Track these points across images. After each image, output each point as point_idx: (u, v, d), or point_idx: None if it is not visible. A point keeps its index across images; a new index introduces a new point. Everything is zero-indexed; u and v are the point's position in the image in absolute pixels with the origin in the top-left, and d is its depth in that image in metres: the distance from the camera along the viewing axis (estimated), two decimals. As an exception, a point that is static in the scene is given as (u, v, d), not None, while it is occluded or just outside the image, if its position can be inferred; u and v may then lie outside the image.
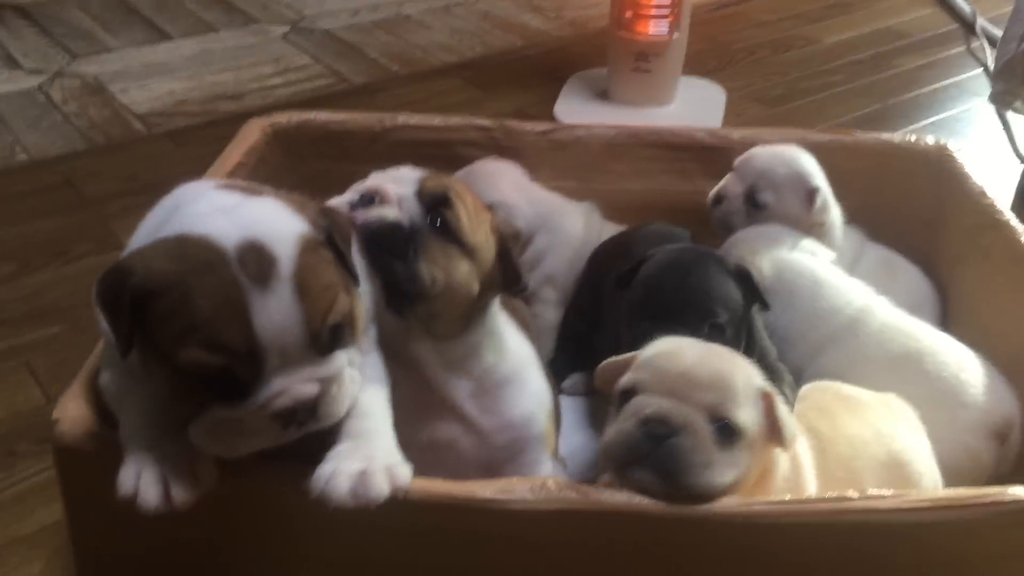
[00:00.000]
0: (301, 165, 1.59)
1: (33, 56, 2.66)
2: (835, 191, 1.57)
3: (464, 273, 1.02)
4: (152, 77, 2.56)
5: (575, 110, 2.36)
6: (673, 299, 1.15)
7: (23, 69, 2.58)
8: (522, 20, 3.01)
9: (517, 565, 0.96)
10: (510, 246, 1.08)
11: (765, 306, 1.24)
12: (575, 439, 1.41)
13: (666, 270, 1.18)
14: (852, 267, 1.50)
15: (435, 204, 1.02)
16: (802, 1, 3.16)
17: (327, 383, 0.87)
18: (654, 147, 1.62)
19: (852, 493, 0.93)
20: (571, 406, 1.46)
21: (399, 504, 0.88)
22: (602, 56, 2.45)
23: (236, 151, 1.45)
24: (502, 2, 3.15)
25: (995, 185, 2.06)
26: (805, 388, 1.22)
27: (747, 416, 0.93)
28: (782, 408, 0.96)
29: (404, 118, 1.61)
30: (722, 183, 1.50)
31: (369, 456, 0.88)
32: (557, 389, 1.45)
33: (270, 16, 2.98)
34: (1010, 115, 2.30)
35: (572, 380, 1.49)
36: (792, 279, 1.36)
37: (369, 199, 1.02)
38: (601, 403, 1.46)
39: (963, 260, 1.46)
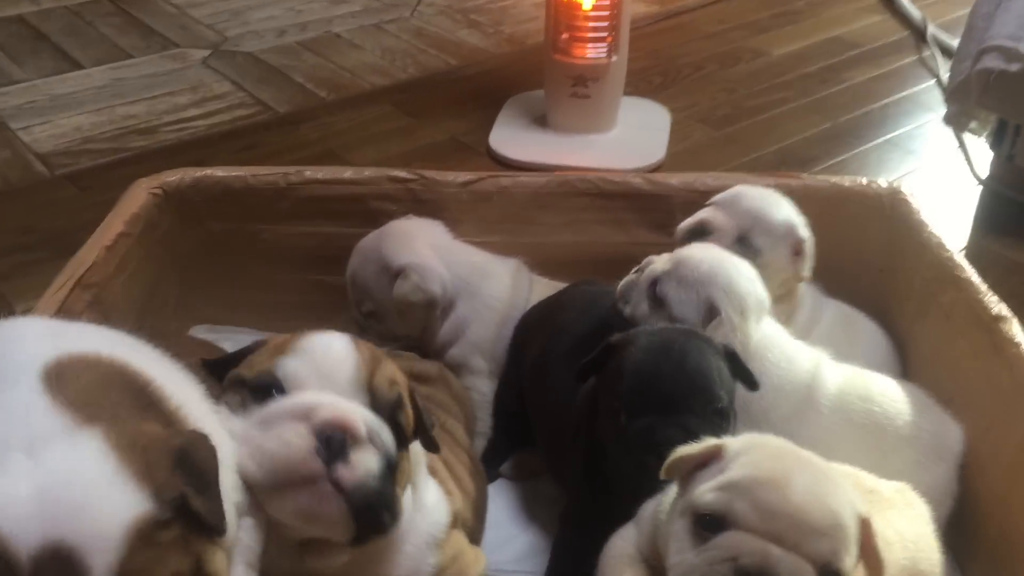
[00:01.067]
0: (198, 228, 1.44)
1: (-69, 91, 2.47)
2: (783, 239, 1.45)
3: (409, 475, 0.92)
4: (59, 111, 2.39)
5: (511, 139, 2.22)
6: (673, 387, 1.02)
7: (-81, 106, 2.39)
8: (458, 37, 2.86)
9: None
10: (419, 402, 0.95)
11: (754, 386, 1.11)
12: (508, 529, 1.28)
13: (658, 356, 1.04)
14: (810, 328, 1.38)
15: (392, 411, 0.89)
16: (749, 10, 3.05)
17: None
18: (587, 195, 1.49)
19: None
20: (505, 492, 1.33)
21: None
22: (542, 75, 2.31)
23: (118, 219, 1.30)
24: (437, 17, 3.00)
25: (952, 217, 1.97)
26: None
27: (853, 560, 0.80)
28: (882, 540, 0.82)
29: (311, 172, 1.46)
30: (705, 215, 1.34)
31: None
32: (487, 475, 1.32)
33: (190, 39, 2.81)
34: (967, 135, 2.19)
35: (510, 464, 1.36)
36: (766, 345, 1.20)
37: (340, 443, 0.82)
38: (537, 487, 1.34)
39: (922, 317, 1.35)
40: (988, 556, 1.15)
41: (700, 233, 1.32)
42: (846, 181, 1.46)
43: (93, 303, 1.21)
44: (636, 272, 1.25)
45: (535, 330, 1.32)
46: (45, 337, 0.79)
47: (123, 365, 0.78)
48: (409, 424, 0.91)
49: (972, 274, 1.25)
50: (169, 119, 2.37)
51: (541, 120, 2.28)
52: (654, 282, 1.20)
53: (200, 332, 1.53)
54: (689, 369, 1.02)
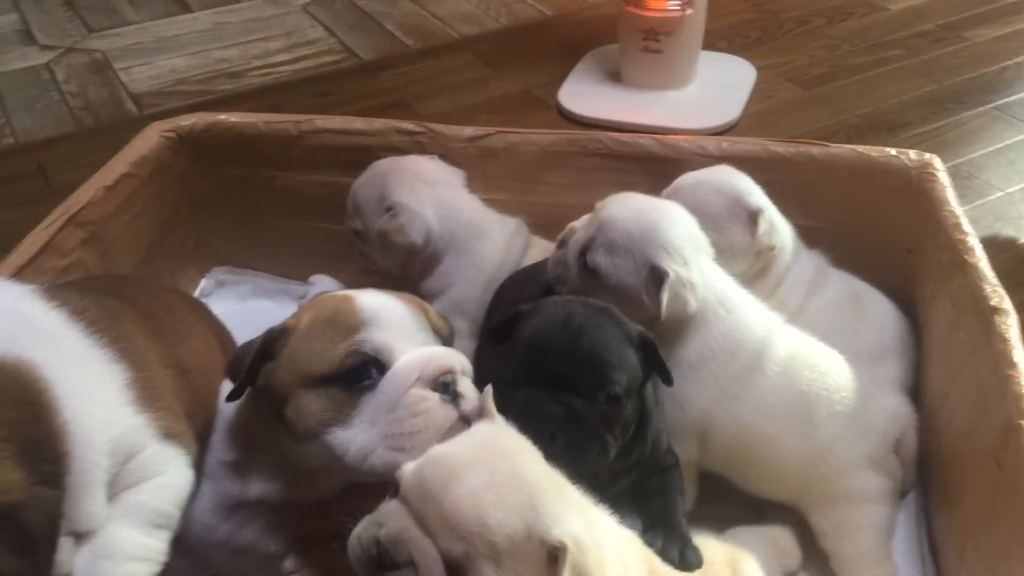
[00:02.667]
0: (213, 172, 1.48)
1: (51, 31, 2.64)
2: (804, 210, 1.36)
3: None
4: (160, 54, 2.50)
5: (581, 93, 2.17)
6: (562, 363, 0.97)
7: (37, 45, 2.56)
8: (559, -15, 2.80)
9: None
10: None
11: (669, 381, 1.04)
12: None
13: (553, 329, 0.99)
14: (808, 299, 1.30)
15: (450, 341, 1.02)
16: (874, -40, 2.84)
17: None
18: (597, 155, 1.44)
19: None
20: None
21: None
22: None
23: (122, 160, 1.35)
24: (543, -35, 2.94)
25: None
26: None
27: (499, 574, 0.76)
28: (571, 567, 0.76)
29: (322, 122, 1.47)
30: None
31: None
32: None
33: (298, -16, 2.87)
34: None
35: None
36: (719, 301, 1.13)
37: (452, 383, 0.91)
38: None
39: (934, 303, 1.24)
40: (957, 555, 1.06)
41: None
42: (873, 151, 1.34)
43: (89, 240, 1.28)
44: (561, 247, 1.19)
45: (506, 295, 1.29)
46: None
47: (26, 371, 0.78)
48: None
49: (981, 260, 1.13)
50: (258, 63, 2.44)
51: (616, 75, 2.21)
52: (582, 252, 1.13)
53: (220, 274, 1.58)
54: (581, 348, 0.96)
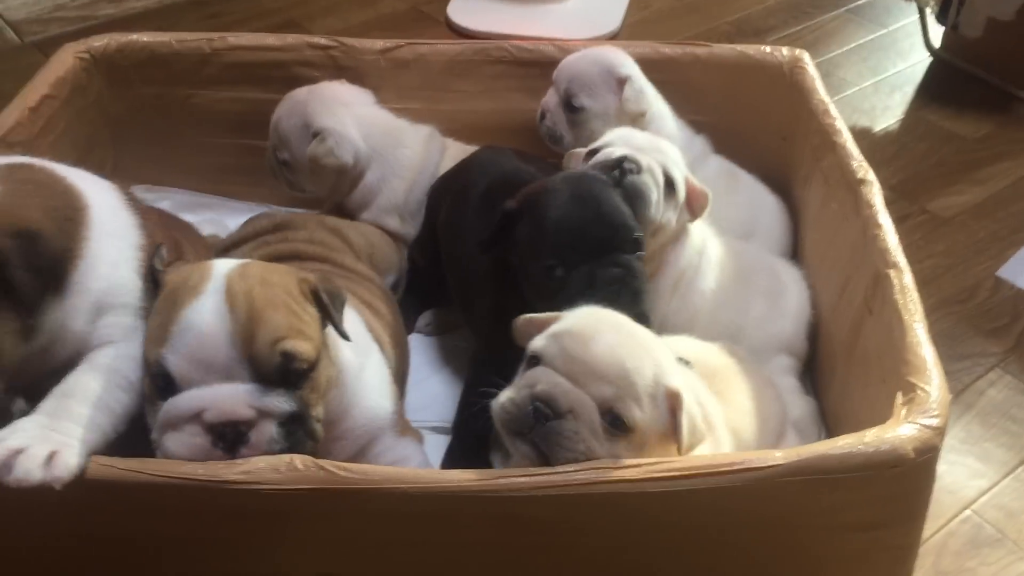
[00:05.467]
0: (128, 92, 1.51)
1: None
2: (689, 106, 1.50)
3: (325, 385, 0.97)
4: (34, -22, 2.43)
5: (469, 8, 2.25)
6: (599, 232, 1.09)
7: (-101, -27, 2.45)
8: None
9: (272, 541, 0.94)
10: (325, 300, 0.96)
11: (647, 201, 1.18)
12: (432, 384, 1.36)
13: (575, 208, 1.10)
14: (692, 172, 1.45)
15: (289, 379, 0.91)
16: None
17: None
18: (501, 63, 1.54)
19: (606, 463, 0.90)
20: (424, 347, 1.42)
21: (132, 486, 0.88)
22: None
23: (42, 83, 1.37)
24: None
25: (896, 87, 1.99)
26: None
27: (643, 414, 0.90)
28: (687, 414, 0.92)
29: (235, 38, 1.52)
30: (543, 101, 1.45)
31: (40, 437, 0.84)
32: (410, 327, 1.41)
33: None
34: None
35: (425, 319, 1.46)
36: None
37: (233, 434, 0.89)
38: (454, 343, 1.42)
39: (809, 182, 1.40)
40: (837, 394, 1.25)
41: (542, 117, 1.44)
42: (750, 49, 1.49)
43: (18, 161, 1.30)
44: (543, 120, 1.45)
45: (444, 193, 1.39)
46: None
47: (73, 191, 1.00)
48: (312, 372, 0.93)
49: (848, 140, 1.30)
50: (140, -14, 2.41)
51: (502, -11, 2.30)
52: (566, 105, 1.43)
53: (139, 192, 1.62)
54: (606, 212, 1.09)
